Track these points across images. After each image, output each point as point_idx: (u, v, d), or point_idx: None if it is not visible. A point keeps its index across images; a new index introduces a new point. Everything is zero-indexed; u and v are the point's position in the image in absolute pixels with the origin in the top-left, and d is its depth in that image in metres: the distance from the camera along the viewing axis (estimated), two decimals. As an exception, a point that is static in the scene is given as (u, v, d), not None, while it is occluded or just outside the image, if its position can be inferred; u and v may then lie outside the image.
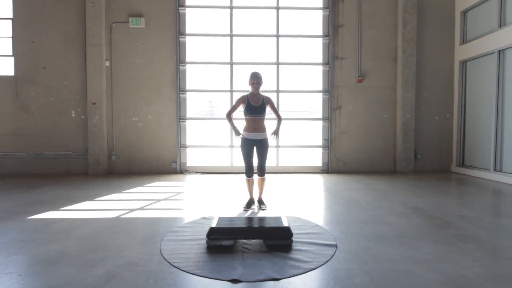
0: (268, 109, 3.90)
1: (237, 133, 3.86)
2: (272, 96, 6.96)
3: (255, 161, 3.92)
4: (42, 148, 6.72)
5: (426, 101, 7.00)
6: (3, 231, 3.10)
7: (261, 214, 3.71)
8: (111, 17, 6.69)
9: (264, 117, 3.86)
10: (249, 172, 3.88)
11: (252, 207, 3.95)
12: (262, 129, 3.84)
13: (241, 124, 3.99)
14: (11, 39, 6.67)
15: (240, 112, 4.02)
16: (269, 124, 4.15)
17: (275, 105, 4.03)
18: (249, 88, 3.88)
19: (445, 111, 7.04)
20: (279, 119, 3.97)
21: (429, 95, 7.00)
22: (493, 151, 5.95)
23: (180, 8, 6.82)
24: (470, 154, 6.67)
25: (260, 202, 3.98)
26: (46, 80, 6.69)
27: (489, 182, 5.71)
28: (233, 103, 3.98)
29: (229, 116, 3.94)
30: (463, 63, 6.82)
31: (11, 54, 6.68)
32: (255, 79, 3.77)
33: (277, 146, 7.05)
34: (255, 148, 3.85)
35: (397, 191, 5.01)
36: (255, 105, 3.77)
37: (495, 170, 5.92)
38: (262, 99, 3.82)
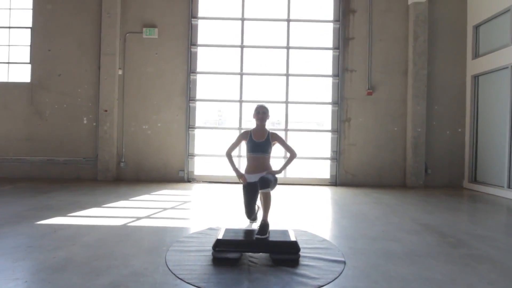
0: (278, 146, 3.29)
1: (239, 175, 3.22)
2: (281, 107, 7.05)
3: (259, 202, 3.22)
4: (53, 154, 6.84)
5: (438, 115, 6.90)
6: (12, 236, 3.13)
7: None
8: (126, 27, 6.86)
9: (268, 156, 3.19)
10: (249, 215, 3.25)
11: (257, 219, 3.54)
12: (265, 169, 3.14)
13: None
14: (29, 47, 6.89)
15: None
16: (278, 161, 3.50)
17: (285, 140, 3.37)
18: (254, 122, 3.31)
19: (456, 125, 6.92)
20: (292, 155, 3.24)
21: (440, 108, 6.91)
22: (507, 167, 5.80)
23: (192, 19, 6.96)
24: (483, 170, 6.51)
25: (262, 226, 2.84)
26: (60, 87, 6.86)
27: (503, 200, 5.55)
28: (235, 139, 3.37)
29: (228, 154, 3.34)
30: (476, 77, 6.73)
31: (29, 61, 6.89)
32: (261, 109, 3.21)
33: (285, 158, 7.01)
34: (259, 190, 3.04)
35: (407, 206, 4.90)
36: (258, 142, 3.15)
37: (509, 187, 5.75)
38: (268, 135, 3.18)
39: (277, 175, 3.17)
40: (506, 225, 4.18)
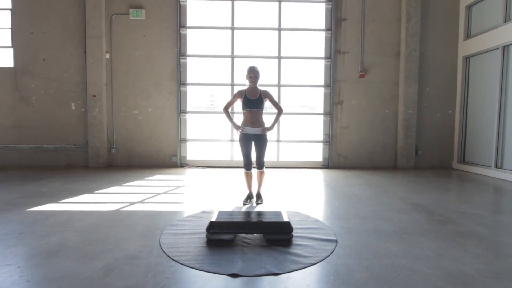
0: (268, 103, 3.88)
1: (237, 127, 3.84)
2: (273, 90, 6.98)
3: (254, 155, 3.90)
4: (42, 141, 6.70)
5: (429, 97, 6.94)
6: (2, 223, 3.09)
7: (261, 208, 3.70)
8: (111, 8, 6.61)
9: (262, 111, 3.81)
10: (247, 166, 3.87)
11: (251, 201, 3.95)
12: (260, 123, 3.80)
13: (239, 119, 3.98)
14: (10, 30, 6.61)
15: (239, 106, 4.00)
16: (270, 117, 4.11)
17: (275, 98, 3.96)
18: (246, 82, 3.86)
19: (447, 107, 6.99)
20: (279, 111, 3.91)
21: (431, 90, 6.94)
22: (494, 148, 5.92)
23: (181, 0, 6.73)
24: (472, 151, 6.64)
25: (258, 196, 3.94)
26: (45, 72, 6.64)
27: (490, 179, 5.70)
28: (231, 97, 3.95)
29: (226, 109, 3.91)
30: (467, 58, 6.75)
31: (10, 45, 6.62)
32: (253, 73, 3.75)
33: (278, 141, 7.03)
34: (253, 142, 3.84)
35: (397, 187, 4.99)
36: (252, 99, 3.74)
37: (496, 167, 5.90)
38: (260, 93, 3.78)
39: (268, 133, 3.84)
40: (492, 203, 4.31)
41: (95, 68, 6.52)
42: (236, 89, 6.94)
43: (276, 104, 3.90)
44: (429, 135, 6.98)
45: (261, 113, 3.81)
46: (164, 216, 3.38)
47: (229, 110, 3.98)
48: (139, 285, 1.98)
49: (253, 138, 3.81)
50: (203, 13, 7.00)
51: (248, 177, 3.95)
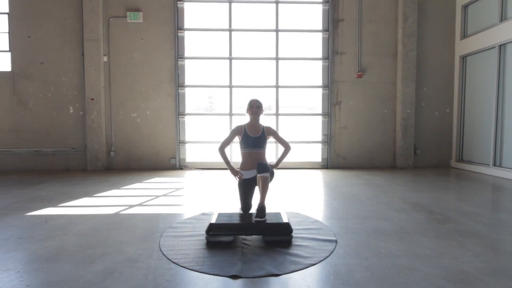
0: (271, 139, 3.27)
1: (235, 172, 3.10)
2: (271, 92, 6.99)
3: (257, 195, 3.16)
4: (40, 144, 6.69)
5: (426, 96, 6.97)
6: (1, 228, 3.08)
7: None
8: (109, 11, 6.62)
9: (264, 151, 3.17)
10: (246, 209, 3.18)
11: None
12: None
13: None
14: (7, 34, 6.60)
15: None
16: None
17: (279, 134, 3.34)
18: (246, 117, 3.26)
19: (445, 106, 7.02)
20: (286, 148, 3.23)
21: (429, 90, 6.97)
22: (492, 146, 5.94)
23: (178, 2, 6.75)
24: (470, 149, 6.66)
25: (259, 210, 2.84)
26: (43, 76, 6.64)
27: (489, 177, 5.71)
28: (228, 135, 3.23)
29: (221, 150, 3.19)
30: (464, 58, 6.78)
31: (8, 49, 6.62)
32: (255, 104, 3.16)
33: (276, 142, 7.01)
34: (255, 186, 3.15)
35: (396, 186, 5.00)
36: (254, 136, 3.12)
37: (494, 165, 5.92)
38: (262, 130, 3.16)
39: (273, 170, 3.12)
40: (491, 201, 4.32)
41: (93, 71, 6.52)
42: (235, 90, 6.95)
43: (283, 141, 3.26)
44: (427, 135, 7.00)
45: (263, 154, 3.16)
46: (164, 218, 3.37)
47: (226, 148, 3.25)
48: (139, 288, 1.98)
49: (255, 182, 3.10)
50: (201, 15, 7.01)
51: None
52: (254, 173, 3.07)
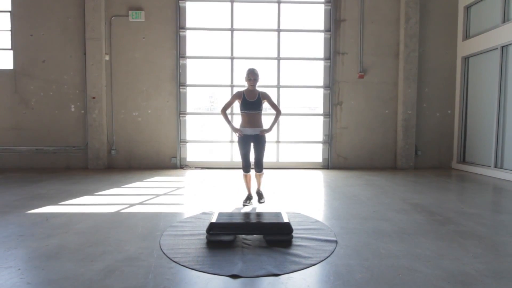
0: (267, 105, 3.88)
1: (235, 129, 3.81)
2: (272, 91, 6.99)
3: (253, 157, 3.89)
4: (41, 143, 6.70)
5: (428, 97, 6.96)
6: (2, 225, 3.09)
7: (261, 209, 3.70)
8: (111, 10, 6.62)
9: (260, 112, 3.79)
10: (246, 167, 3.87)
11: (251, 201, 3.95)
12: (258, 125, 3.79)
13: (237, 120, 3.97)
14: (9, 32, 6.61)
15: (237, 107, 4.02)
16: (268, 119, 4.08)
17: (273, 100, 3.95)
18: (245, 84, 3.84)
19: (446, 107, 7.00)
20: (277, 113, 3.88)
21: (430, 91, 6.96)
22: (494, 148, 5.93)
23: (180, 1, 6.75)
24: (471, 151, 6.65)
25: (259, 195, 4.00)
26: (45, 74, 6.65)
27: (490, 179, 5.70)
28: (229, 99, 3.90)
29: (224, 111, 3.86)
30: (466, 59, 6.77)
31: (10, 47, 6.63)
32: (252, 75, 3.72)
33: (277, 142, 7.03)
34: (252, 144, 3.84)
35: (397, 187, 4.99)
36: (251, 100, 3.72)
37: (495, 167, 5.90)
38: (258, 95, 3.76)
39: (267, 135, 3.82)
40: (492, 203, 4.31)
41: (95, 70, 6.53)
42: (236, 90, 6.95)
43: (275, 106, 3.89)
44: (428, 136, 6.99)
45: (259, 115, 3.80)
46: (164, 217, 3.38)
47: (227, 111, 3.92)
48: (140, 287, 1.98)
49: (252, 139, 3.80)
50: (203, 14, 7.01)
51: (247, 179, 3.95)
52: (252, 131, 3.76)
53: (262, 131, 3.78)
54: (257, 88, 3.84)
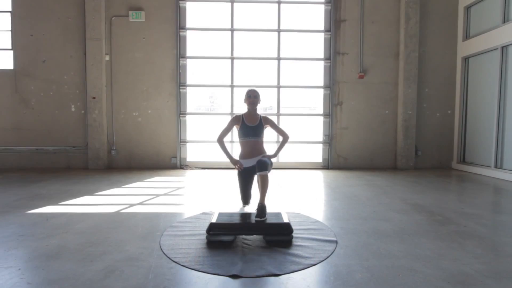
0: (270, 129, 3.27)
1: (234, 161, 3.13)
2: (272, 92, 6.99)
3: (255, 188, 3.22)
4: (42, 143, 6.70)
5: (428, 98, 6.96)
6: (2, 225, 3.09)
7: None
8: (111, 10, 6.62)
9: (261, 140, 3.17)
10: (246, 199, 3.20)
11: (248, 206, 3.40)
12: (259, 154, 3.13)
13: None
14: (10, 32, 6.62)
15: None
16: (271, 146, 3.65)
17: (277, 124, 3.35)
18: (245, 107, 3.26)
19: (446, 107, 7.00)
20: (285, 137, 3.25)
21: (430, 91, 6.96)
22: (494, 148, 5.93)
23: (180, 1, 6.75)
24: (471, 151, 6.65)
25: (260, 210, 2.88)
26: (45, 74, 6.65)
27: (490, 179, 5.70)
28: (226, 125, 3.23)
29: (220, 140, 3.20)
30: (466, 59, 6.77)
31: (10, 47, 6.63)
32: (252, 93, 3.16)
33: (277, 142, 7.03)
34: (255, 175, 3.14)
35: (397, 187, 4.99)
36: (251, 126, 3.11)
37: (496, 167, 5.90)
38: (260, 119, 3.16)
39: (271, 159, 3.14)
40: (492, 203, 4.31)
41: (95, 69, 6.53)
42: (236, 90, 6.95)
43: (281, 131, 3.28)
44: (428, 136, 6.99)
45: (261, 143, 3.17)
46: (164, 217, 3.38)
47: (225, 139, 3.25)
48: (140, 287, 1.98)
49: (254, 171, 3.07)
50: (203, 14, 7.02)
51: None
52: (253, 162, 3.09)
53: (265, 156, 3.11)
54: (259, 112, 3.25)
